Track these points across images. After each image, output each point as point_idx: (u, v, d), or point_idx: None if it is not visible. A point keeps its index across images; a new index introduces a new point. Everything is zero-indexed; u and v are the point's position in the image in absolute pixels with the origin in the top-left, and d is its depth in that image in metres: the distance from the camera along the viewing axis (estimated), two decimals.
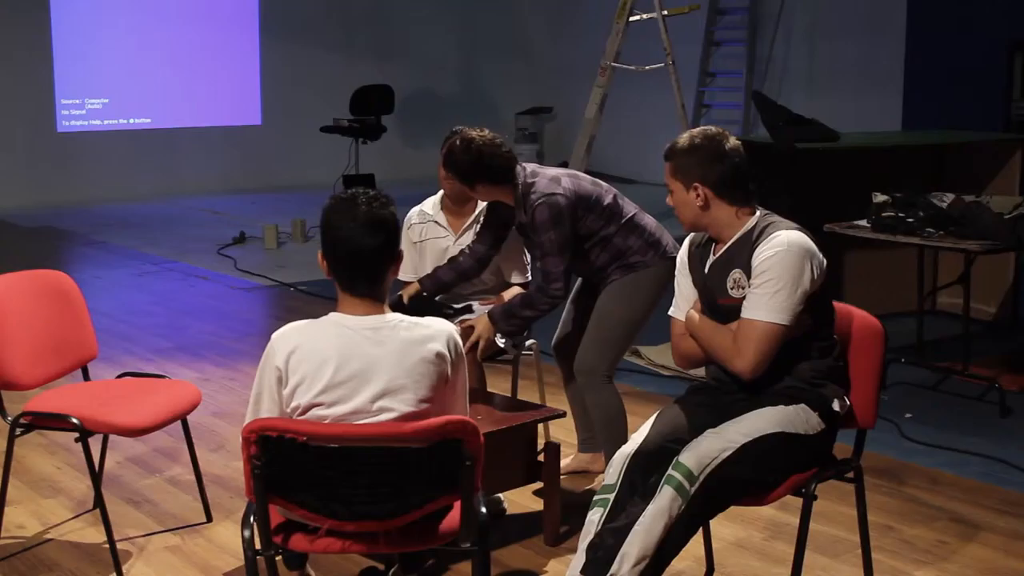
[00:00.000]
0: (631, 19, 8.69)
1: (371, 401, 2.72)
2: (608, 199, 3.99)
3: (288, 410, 2.76)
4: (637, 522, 2.89)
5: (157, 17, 12.31)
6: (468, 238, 4.37)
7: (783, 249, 2.98)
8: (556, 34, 14.39)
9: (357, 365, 2.71)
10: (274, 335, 2.79)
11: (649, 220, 4.12)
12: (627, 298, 4.03)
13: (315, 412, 2.72)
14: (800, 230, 3.05)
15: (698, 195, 3.10)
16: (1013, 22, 8.81)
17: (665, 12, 8.62)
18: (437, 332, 2.80)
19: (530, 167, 4.00)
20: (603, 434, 4.08)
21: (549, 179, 3.92)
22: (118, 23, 12.10)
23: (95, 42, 12.00)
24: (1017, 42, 8.82)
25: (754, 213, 3.13)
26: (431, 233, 4.45)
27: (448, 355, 2.79)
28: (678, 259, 3.33)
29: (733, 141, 3.14)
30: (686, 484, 2.90)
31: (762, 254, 3.01)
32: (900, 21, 9.88)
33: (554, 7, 14.43)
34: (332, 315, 2.80)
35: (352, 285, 2.77)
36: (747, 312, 3.01)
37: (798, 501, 3.06)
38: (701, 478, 2.91)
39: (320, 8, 13.19)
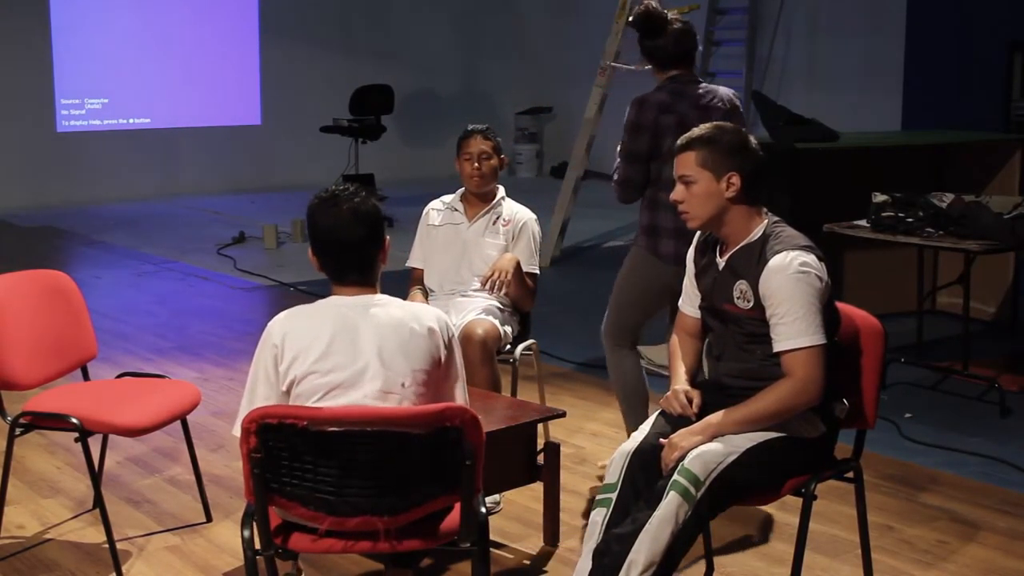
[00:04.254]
0: (631, 19, 8.67)
1: (365, 369, 2.77)
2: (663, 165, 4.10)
3: (284, 388, 2.80)
4: (643, 529, 2.88)
5: (157, 17, 12.31)
6: (480, 225, 4.49)
7: (790, 274, 2.94)
8: (556, 34, 14.38)
9: (351, 336, 2.79)
10: (270, 322, 2.88)
11: (665, 216, 4.10)
12: (622, 269, 4.33)
13: (311, 381, 2.77)
14: (804, 247, 3.00)
15: (730, 185, 3.04)
16: (1013, 22, 8.82)
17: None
18: (429, 311, 2.91)
19: None
20: (620, 404, 4.34)
21: None
22: (118, 23, 12.10)
23: (95, 42, 11.99)
24: (1017, 42, 8.82)
25: (763, 218, 3.10)
26: (448, 219, 4.56)
27: (440, 334, 2.87)
28: (687, 256, 3.31)
29: (753, 138, 3.13)
30: (692, 489, 2.89)
31: (770, 279, 2.96)
32: (900, 21, 9.89)
33: (554, 7, 14.42)
34: (326, 298, 2.90)
35: (342, 276, 2.88)
36: (785, 344, 2.96)
37: (798, 501, 3.06)
38: (707, 483, 2.91)
39: (320, 8, 13.18)
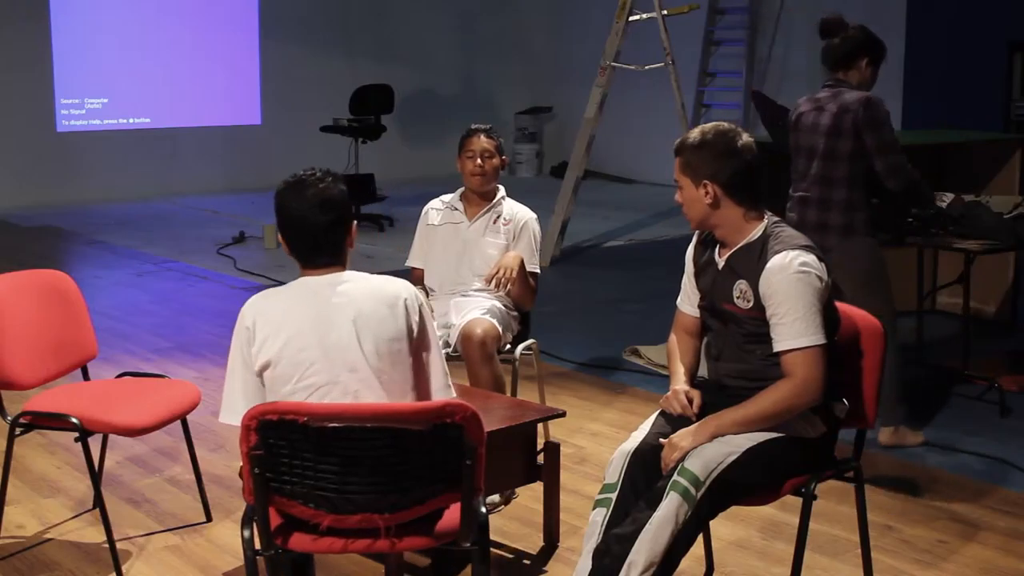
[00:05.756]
0: (631, 19, 8.65)
1: (337, 344, 2.79)
2: None
3: (257, 367, 2.83)
4: (643, 529, 2.88)
5: (157, 17, 12.30)
6: (480, 224, 4.49)
7: (791, 274, 2.94)
8: (556, 34, 14.38)
9: (319, 312, 2.82)
10: (243, 305, 2.92)
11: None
12: None
13: (285, 364, 2.79)
14: (804, 247, 3.00)
15: (707, 192, 3.05)
16: (1013, 22, 8.82)
17: (665, 12, 8.59)
18: (397, 282, 2.93)
19: None
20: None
21: None
22: (118, 23, 12.09)
23: (95, 42, 11.99)
24: (1017, 42, 8.82)
25: (762, 218, 3.09)
26: (448, 218, 4.57)
27: (411, 303, 2.89)
28: (686, 255, 3.32)
29: (746, 138, 3.09)
30: (692, 490, 2.89)
31: (770, 279, 2.97)
32: (900, 21, 9.89)
33: (554, 7, 14.42)
34: (297, 279, 2.93)
35: (311, 259, 2.91)
36: (785, 344, 2.96)
37: (798, 501, 3.06)
38: (707, 483, 2.91)
39: (320, 8, 13.18)
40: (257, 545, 2.76)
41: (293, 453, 2.64)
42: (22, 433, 3.65)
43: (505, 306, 4.43)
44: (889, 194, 4.66)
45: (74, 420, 3.51)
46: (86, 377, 4.04)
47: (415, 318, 2.90)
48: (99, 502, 3.72)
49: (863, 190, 4.56)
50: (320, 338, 2.80)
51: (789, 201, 4.69)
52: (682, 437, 3.00)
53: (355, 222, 2.95)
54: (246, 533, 2.77)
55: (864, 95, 4.51)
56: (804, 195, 4.61)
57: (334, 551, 2.76)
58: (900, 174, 4.55)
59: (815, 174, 4.56)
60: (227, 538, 3.89)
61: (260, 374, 2.86)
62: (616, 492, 3.03)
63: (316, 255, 2.89)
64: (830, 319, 3.02)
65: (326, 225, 2.85)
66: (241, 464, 2.75)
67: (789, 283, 2.95)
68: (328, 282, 2.87)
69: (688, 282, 3.29)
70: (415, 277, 4.58)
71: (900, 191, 4.64)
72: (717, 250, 3.16)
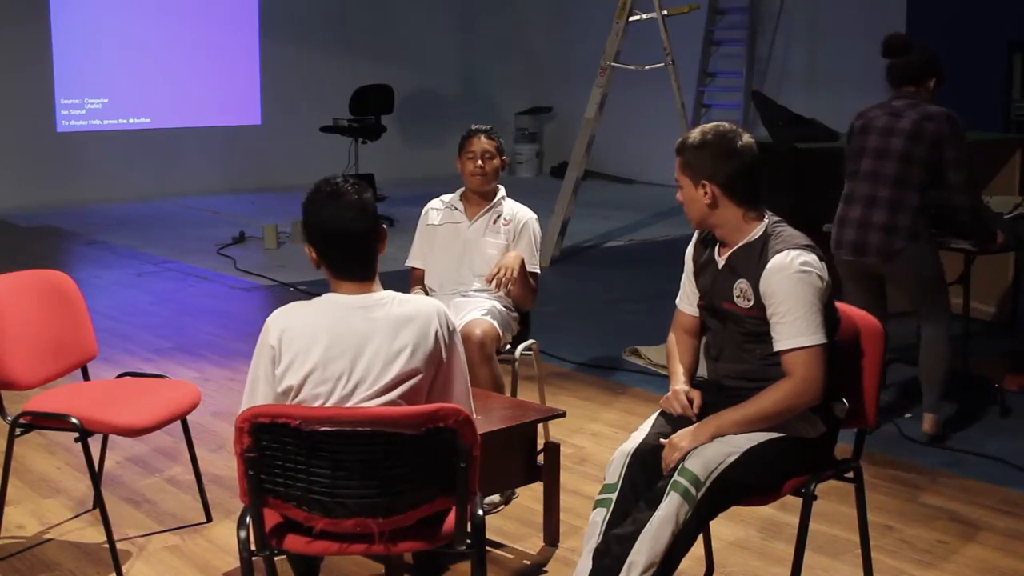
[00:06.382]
0: (631, 19, 8.65)
1: (364, 377, 2.74)
2: None
3: (280, 391, 2.77)
4: (644, 529, 2.88)
5: (157, 17, 12.30)
6: (480, 224, 4.49)
7: (791, 273, 2.94)
8: (556, 34, 14.38)
9: (349, 340, 2.75)
10: (269, 317, 2.84)
11: (842, 207, 4.85)
12: None
13: (309, 390, 2.74)
14: (805, 246, 3.00)
15: (706, 193, 3.05)
16: (1013, 22, 8.82)
17: (665, 12, 8.58)
18: (429, 308, 2.84)
19: None
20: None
21: None
22: (118, 23, 12.09)
23: (95, 42, 11.99)
24: (1017, 42, 8.82)
25: (762, 218, 3.09)
26: (448, 218, 4.57)
27: (441, 332, 2.83)
28: (686, 254, 3.32)
29: (746, 139, 3.08)
30: (692, 490, 2.90)
31: (771, 278, 2.96)
32: (900, 21, 9.89)
33: (554, 7, 14.42)
34: (326, 295, 2.86)
35: (343, 269, 2.84)
36: (785, 343, 2.96)
37: (798, 501, 3.06)
38: (707, 483, 2.91)
39: (320, 8, 13.18)
40: (253, 546, 2.76)
41: (286, 456, 2.63)
42: (22, 433, 3.65)
43: (505, 306, 4.43)
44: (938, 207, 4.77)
45: (74, 420, 3.51)
46: (86, 377, 4.04)
47: (444, 349, 2.84)
48: (99, 502, 3.72)
49: (927, 198, 4.65)
50: (346, 369, 2.74)
51: (846, 201, 4.76)
52: (682, 437, 3.00)
53: (385, 229, 2.90)
54: (242, 534, 2.77)
55: (945, 110, 4.64)
56: (872, 195, 4.65)
57: (329, 553, 2.76)
58: (970, 190, 4.67)
59: (889, 175, 4.62)
60: (227, 538, 3.89)
61: (284, 393, 2.80)
62: (616, 492, 3.03)
63: (351, 266, 2.83)
64: (830, 319, 3.02)
65: (364, 234, 2.81)
66: None
67: (790, 282, 2.95)
68: (359, 304, 2.80)
69: (688, 281, 3.29)
70: (415, 277, 4.58)
71: (967, 207, 4.73)
72: (717, 249, 3.16)
